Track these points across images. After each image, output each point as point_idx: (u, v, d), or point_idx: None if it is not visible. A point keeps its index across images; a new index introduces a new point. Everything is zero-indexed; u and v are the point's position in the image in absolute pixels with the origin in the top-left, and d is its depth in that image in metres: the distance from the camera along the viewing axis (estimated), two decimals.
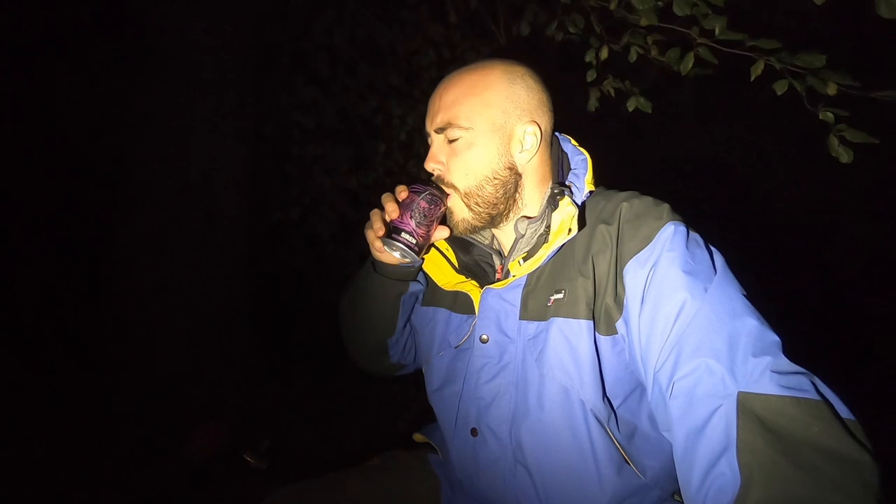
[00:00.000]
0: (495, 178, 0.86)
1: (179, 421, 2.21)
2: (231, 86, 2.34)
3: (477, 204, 0.87)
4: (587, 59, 1.91)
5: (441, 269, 0.97)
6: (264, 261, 3.22)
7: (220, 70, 2.29)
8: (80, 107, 3.04)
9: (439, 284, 0.96)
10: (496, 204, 0.88)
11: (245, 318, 2.59)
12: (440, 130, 0.88)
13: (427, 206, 0.86)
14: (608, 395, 0.81)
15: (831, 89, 1.20)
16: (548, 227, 0.85)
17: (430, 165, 0.90)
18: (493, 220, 0.90)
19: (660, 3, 1.36)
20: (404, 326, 1.06)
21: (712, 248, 0.79)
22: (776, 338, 0.67)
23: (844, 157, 1.27)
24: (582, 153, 0.93)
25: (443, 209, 0.88)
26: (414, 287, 1.00)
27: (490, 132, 0.86)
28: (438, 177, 0.90)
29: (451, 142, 0.87)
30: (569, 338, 0.80)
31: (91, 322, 2.39)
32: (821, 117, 1.27)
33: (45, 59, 3.01)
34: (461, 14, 2.62)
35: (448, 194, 0.89)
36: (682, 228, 0.77)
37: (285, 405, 2.56)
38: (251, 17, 2.39)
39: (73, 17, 2.85)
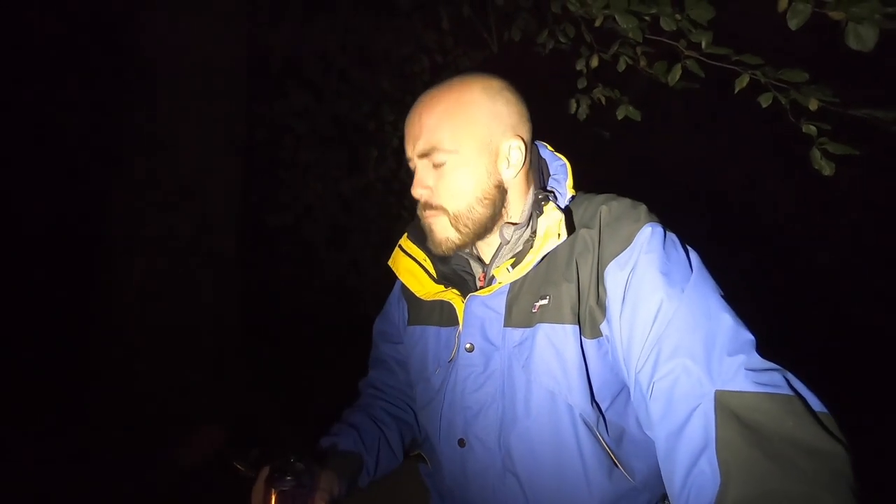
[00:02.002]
0: (485, 198, 0.85)
1: (170, 426, 2.20)
2: (223, 91, 2.33)
3: (465, 225, 0.86)
4: (578, 67, 1.93)
5: (419, 280, 0.95)
6: (257, 266, 3.21)
7: (212, 76, 2.28)
8: (72, 113, 3.03)
9: (418, 295, 0.94)
10: (485, 224, 0.87)
11: (236, 324, 2.58)
12: (424, 155, 0.85)
13: (300, 496, 0.81)
14: (596, 398, 0.82)
15: (812, 104, 1.23)
16: (534, 232, 0.84)
17: (416, 192, 0.88)
18: (478, 238, 0.89)
19: (647, 18, 1.39)
20: (386, 444, 1.04)
21: (688, 247, 0.81)
22: (750, 336, 0.68)
23: (827, 169, 1.31)
24: (560, 159, 0.93)
25: (315, 485, 0.83)
26: (365, 468, 0.97)
27: (477, 152, 0.84)
28: (426, 202, 0.88)
29: (436, 166, 0.85)
30: (555, 343, 0.81)
31: (82, 327, 2.38)
32: (804, 130, 1.32)
33: (41, 70, 3.00)
34: (454, 21, 2.64)
35: (320, 470, 0.86)
36: (659, 229, 0.78)
37: (276, 411, 2.56)
38: (244, 24, 2.39)
39: (68, 26, 2.84)
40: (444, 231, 0.87)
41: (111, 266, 2.31)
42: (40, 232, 3.11)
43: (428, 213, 0.88)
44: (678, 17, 1.32)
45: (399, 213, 3.11)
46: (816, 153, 1.32)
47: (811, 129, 1.31)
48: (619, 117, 1.85)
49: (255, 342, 2.80)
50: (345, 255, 3.33)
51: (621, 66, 1.77)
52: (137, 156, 2.26)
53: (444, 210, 0.86)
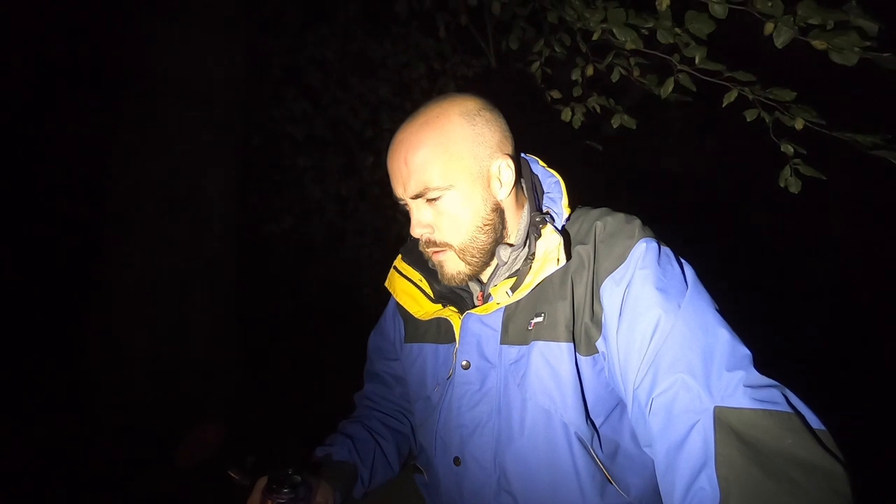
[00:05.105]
0: (486, 225, 0.85)
1: (168, 428, 2.20)
2: (222, 98, 2.34)
3: (473, 255, 0.86)
4: (573, 76, 1.95)
5: (416, 301, 0.95)
6: (255, 270, 3.22)
7: (211, 82, 2.29)
8: (70, 117, 3.02)
9: (416, 316, 0.94)
10: (490, 249, 0.87)
11: (233, 329, 2.58)
12: (417, 196, 0.84)
13: None
14: (590, 415, 0.82)
15: (798, 124, 1.26)
16: (532, 253, 0.84)
17: (416, 231, 0.86)
18: (487, 265, 0.88)
19: (644, 31, 1.40)
20: (382, 455, 1.05)
21: (683, 262, 0.81)
22: (747, 351, 0.69)
23: (793, 187, 1.37)
24: (553, 175, 0.92)
25: (311, 497, 0.84)
26: (359, 479, 0.99)
27: (470, 183, 0.83)
28: (428, 240, 0.87)
29: (430, 201, 0.84)
30: (550, 361, 0.81)
31: (79, 330, 2.38)
32: (782, 149, 1.36)
33: (39, 74, 2.99)
34: (452, 29, 2.66)
35: (317, 483, 0.87)
36: (654, 245, 0.79)
37: (272, 417, 2.56)
38: (244, 31, 2.40)
39: (68, 33, 2.84)
40: (454, 266, 0.87)
41: (108, 270, 2.31)
42: (36, 237, 3.10)
43: (433, 250, 0.88)
44: (678, 30, 1.34)
45: (395, 215, 3.13)
46: (787, 171, 1.37)
47: (788, 148, 1.35)
48: (615, 126, 1.87)
49: (252, 346, 2.80)
50: (341, 257, 3.35)
51: (615, 77, 1.79)
52: (134, 162, 2.26)
53: (449, 245, 0.86)
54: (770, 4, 1.11)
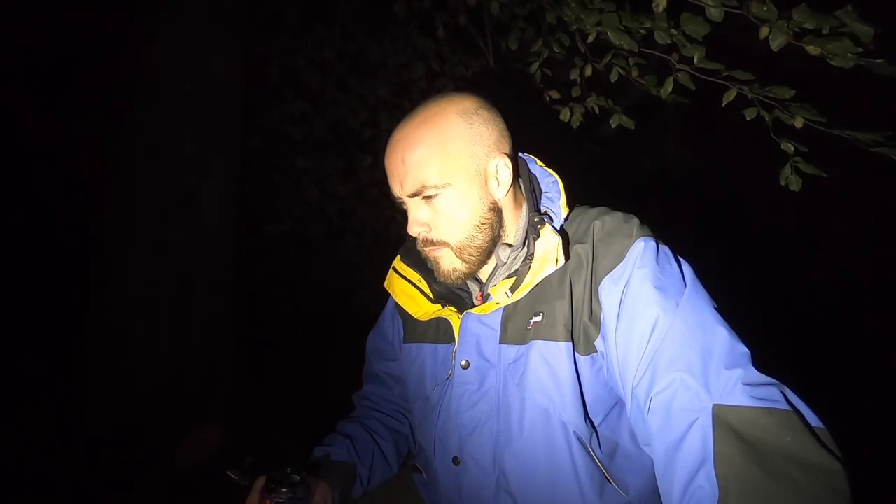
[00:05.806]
0: (483, 224, 0.85)
1: (167, 429, 2.21)
2: (220, 99, 2.35)
3: (470, 254, 0.85)
4: (572, 76, 1.95)
5: (416, 301, 0.95)
6: (254, 271, 3.22)
7: (209, 84, 2.29)
8: (68, 119, 3.02)
9: (416, 316, 0.94)
10: (488, 248, 0.86)
11: (232, 329, 2.58)
12: (414, 195, 0.84)
13: None
14: (589, 414, 0.82)
15: (798, 122, 1.27)
16: (531, 253, 0.84)
17: (413, 230, 0.86)
18: (484, 263, 0.88)
19: (642, 31, 1.41)
20: (381, 454, 1.06)
21: (681, 260, 0.81)
22: (745, 349, 0.69)
23: (794, 185, 1.37)
24: (551, 174, 0.92)
25: (310, 497, 0.84)
26: (358, 479, 1.00)
27: (467, 182, 0.83)
28: (425, 238, 0.87)
29: (427, 199, 0.84)
30: (548, 360, 0.81)
31: (78, 332, 2.38)
32: (782, 147, 1.36)
33: (37, 76, 2.99)
34: (450, 29, 2.66)
35: (316, 482, 0.87)
36: (652, 244, 0.79)
37: (271, 418, 2.56)
38: (243, 33, 2.41)
39: (67, 34, 2.84)
40: (450, 263, 0.86)
41: (107, 271, 2.31)
42: (35, 237, 3.10)
43: (430, 248, 0.87)
44: (674, 31, 1.34)
45: (393, 216, 3.13)
46: (787, 169, 1.38)
47: (789, 147, 1.35)
48: (613, 126, 1.87)
49: (251, 347, 2.80)
50: (340, 258, 3.35)
51: (614, 77, 1.79)
52: (133, 162, 2.26)
53: (446, 244, 0.85)
54: (765, 9, 1.11)
